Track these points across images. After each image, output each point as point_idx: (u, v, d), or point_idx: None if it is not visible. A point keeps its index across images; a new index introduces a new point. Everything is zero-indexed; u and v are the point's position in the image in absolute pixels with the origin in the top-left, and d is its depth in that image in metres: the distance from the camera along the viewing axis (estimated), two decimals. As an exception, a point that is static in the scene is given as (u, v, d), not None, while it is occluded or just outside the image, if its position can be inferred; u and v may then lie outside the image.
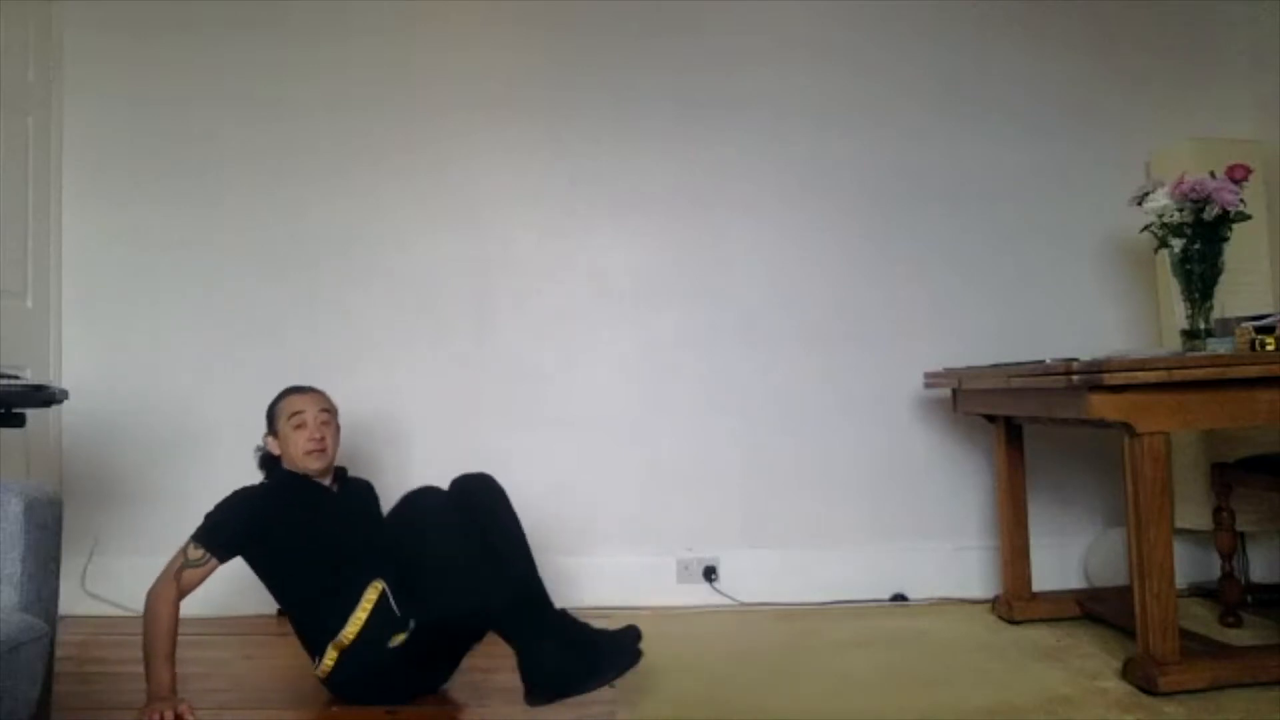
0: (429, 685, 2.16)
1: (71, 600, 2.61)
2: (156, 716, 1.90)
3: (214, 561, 2.10)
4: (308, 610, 2.16)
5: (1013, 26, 3.24)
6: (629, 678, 2.23)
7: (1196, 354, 2.22)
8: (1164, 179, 2.51)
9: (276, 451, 2.30)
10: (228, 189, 3.12)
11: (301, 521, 2.19)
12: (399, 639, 2.01)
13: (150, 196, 3.11)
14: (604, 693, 2.15)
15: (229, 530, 2.14)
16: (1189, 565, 2.92)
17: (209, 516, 2.16)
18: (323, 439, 2.26)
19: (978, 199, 3.19)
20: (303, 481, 2.27)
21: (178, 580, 2.07)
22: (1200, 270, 2.41)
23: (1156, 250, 2.59)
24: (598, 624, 2.04)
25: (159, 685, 1.98)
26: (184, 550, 2.10)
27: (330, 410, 2.33)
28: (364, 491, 2.42)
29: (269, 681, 2.36)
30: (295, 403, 2.29)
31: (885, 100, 3.20)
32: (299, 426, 2.25)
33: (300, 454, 2.24)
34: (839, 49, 3.21)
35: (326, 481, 2.31)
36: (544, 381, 3.10)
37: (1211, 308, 2.41)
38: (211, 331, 3.09)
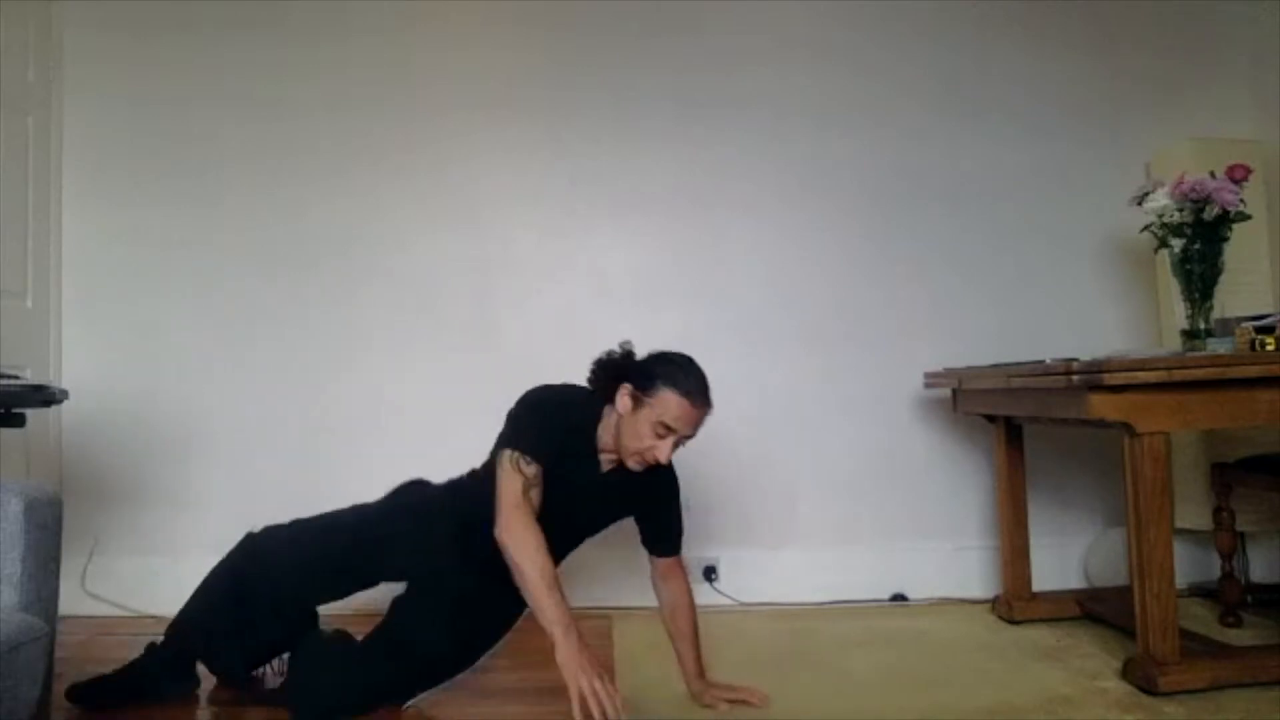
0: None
1: (71, 600, 2.61)
2: (579, 685, 1.68)
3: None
4: None
5: (1013, 26, 3.24)
6: (631, 678, 2.23)
7: (1196, 354, 2.22)
8: (1164, 179, 2.51)
9: (621, 409, 1.94)
10: (228, 189, 3.12)
11: (555, 475, 1.95)
12: None
13: (150, 196, 3.10)
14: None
15: (549, 439, 1.94)
16: (1189, 565, 2.92)
17: (521, 421, 1.96)
18: (656, 463, 1.95)
19: (978, 199, 3.19)
20: (590, 445, 2.01)
21: (528, 501, 1.86)
22: (1200, 270, 2.41)
23: (1156, 250, 2.59)
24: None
25: (559, 616, 1.75)
26: (517, 468, 1.88)
27: (694, 436, 1.98)
28: (637, 485, 2.04)
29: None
30: (678, 416, 1.90)
31: (885, 100, 3.20)
32: (660, 436, 1.91)
33: (628, 451, 1.94)
34: (839, 49, 3.21)
35: (607, 465, 2.04)
36: (543, 382, 3.09)
37: (1211, 308, 2.41)
38: (211, 331, 3.09)
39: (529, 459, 1.90)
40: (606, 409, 2.00)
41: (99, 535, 2.95)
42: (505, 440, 1.97)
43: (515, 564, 1.82)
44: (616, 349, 2.03)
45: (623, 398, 1.94)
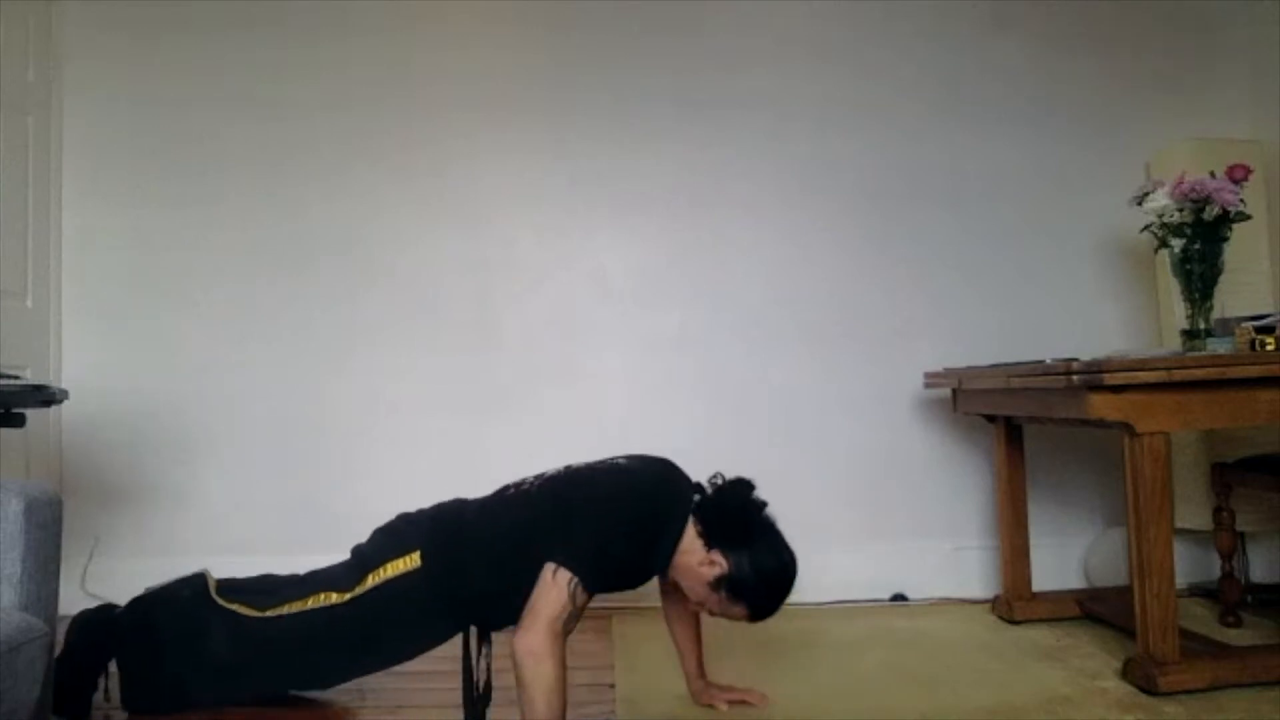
0: None
1: (71, 600, 2.60)
2: None
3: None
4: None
5: (1013, 26, 3.24)
6: (631, 678, 2.23)
7: (1196, 354, 2.22)
8: (1164, 179, 2.51)
9: (701, 566, 1.85)
10: (228, 189, 3.12)
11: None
12: None
13: (150, 196, 3.10)
14: (604, 692, 2.17)
15: (618, 577, 1.90)
16: (1189, 565, 2.92)
17: (600, 539, 1.81)
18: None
19: (978, 199, 3.19)
20: (650, 571, 1.96)
21: (566, 632, 1.74)
22: (1200, 270, 2.41)
23: (1156, 250, 2.59)
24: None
25: None
26: (571, 595, 1.73)
27: None
28: None
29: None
30: (733, 618, 1.92)
31: (885, 100, 3.20)
32: (707, 611, 1.93)
33: (694, 596, 1.91)
34: (839, 49, 3.21)
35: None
36: (543, 381, 3.10)
37: (1211, 308, 2.41)
38: (211, 331, 3.08)
39: (587, 592, 1.77)
40: (692, 535, 1.88)
41: (99, 535, 2.95)
42: (571, 544, 1.79)
43: (526, 688, 1.67)
44: (754, 495, 1.93)
45: (713, 567, 1.85)
